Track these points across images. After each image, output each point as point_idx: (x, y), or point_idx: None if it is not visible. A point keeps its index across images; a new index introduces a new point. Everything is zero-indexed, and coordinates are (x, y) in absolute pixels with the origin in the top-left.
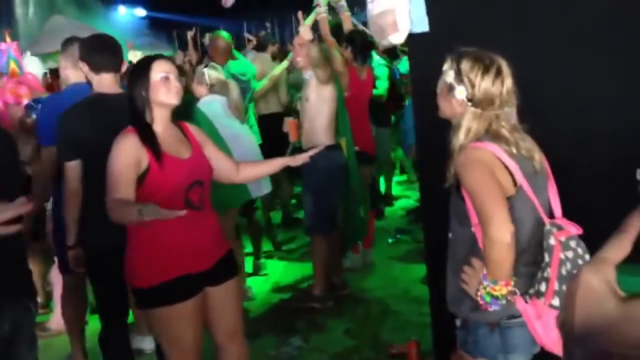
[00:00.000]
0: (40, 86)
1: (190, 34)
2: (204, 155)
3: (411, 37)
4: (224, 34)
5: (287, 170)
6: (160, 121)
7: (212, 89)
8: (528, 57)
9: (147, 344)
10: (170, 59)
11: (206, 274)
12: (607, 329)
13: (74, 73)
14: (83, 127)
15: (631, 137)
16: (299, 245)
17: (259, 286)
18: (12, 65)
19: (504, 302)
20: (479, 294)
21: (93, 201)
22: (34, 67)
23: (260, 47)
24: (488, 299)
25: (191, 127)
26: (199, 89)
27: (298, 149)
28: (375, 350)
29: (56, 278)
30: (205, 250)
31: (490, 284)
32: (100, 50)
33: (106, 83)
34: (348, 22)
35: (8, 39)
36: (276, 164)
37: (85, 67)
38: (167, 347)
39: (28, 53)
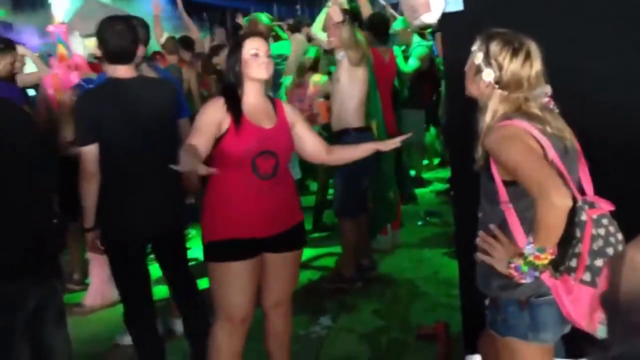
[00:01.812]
0: (88, 68)
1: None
2: (287, 131)
3: (444, 16)
4: (262, 18)
5: None
6: (251, 93)
7: None
8: (563, 37)
9: (178, 326)
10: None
11: (266, 241)
12: None
13: None
14: (98, 111)
15: None
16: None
17: None
18: (61, 49)
19: (539, 273)
20: (513, 265)
21: (111, 185)
22: (80, 48)
23: (295, 28)
24: (526, 269)
25: (286, 106)
26: None
27: (328, 131)
28: (403, 331)
29: (93, 256)
30: (269, 218)
31: (535, 252)
32: (114, 41)
33: (120, 71)
34: (366, 8)
35: (56, 21)
36: (366, 148)
37: (100, 52)
38: (216, 304)
39: (76, 33)
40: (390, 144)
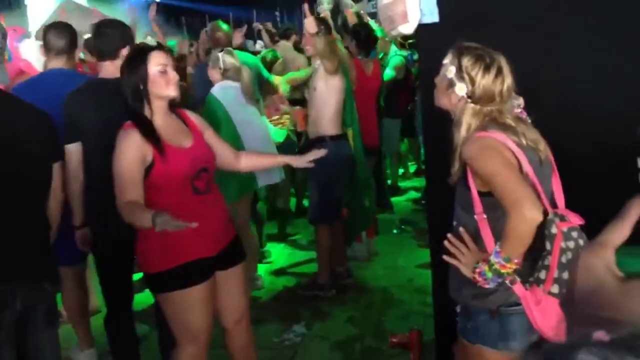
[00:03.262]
0: (35, 71)
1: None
2: (205, 141)
3: (421, 27)
4: (223, 26)
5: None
6: (159, 112)
7: (226, 73)
8: (536, 49)
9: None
10: (164, 47)
11: (216, 259)
12: (604, 305)
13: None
14: (83, 110)
15: (633, 128)
16: (304, 233)
17: (262, 273)
18: None
19: (501, 280)
20: (478, 270)
21: (97, 183)
22: (30, 53)
23: (284, 36)
24: (490, 275)
25: (190, 114)
26: (212, 74)
27: (300, 139)
28: (377, 338)
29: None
30: (214, 236)
31: (502, 261)
32: (104, 38)
33: (105, 69)
34: (352, 17)
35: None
36: (279, 160)
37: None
38: (178, 331)
39: (27, 40)
40: (299, 161)
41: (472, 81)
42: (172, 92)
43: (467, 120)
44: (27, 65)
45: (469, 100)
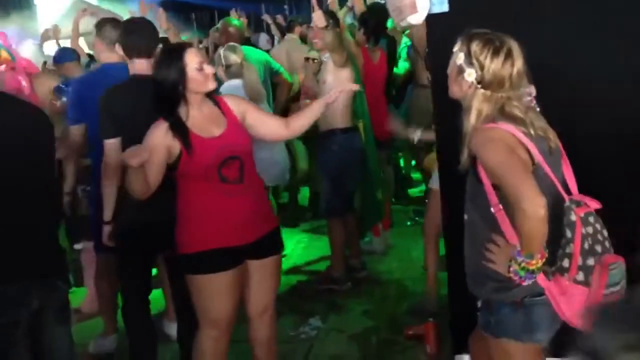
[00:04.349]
0: (35, 68)
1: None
2: (241, 129)
3: (430, 17)
4: (235, 21)
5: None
6: (194, 104)
7: (229, 70)
8: (547, 38)
9: (173, 330)
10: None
11: (247, 248)
12: None
13: (105, 55)
14: (121, 106)
15: None
16: (318, 227)
17: None
18: (4, 54)
19: (536, 275)
20: (511, 269)
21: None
22: (28, 52)
23: (287, 28)
24: (523, 273)
25: (229, 100)
26: (218, 71)
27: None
28: (393, 331)
29: (87, 260)
30: (246, 224)
31: (525, 259)
32: (135, 35)
33: (139, 67)
34: (359, 4)
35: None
36: (316, 107)
37: (120, 51)
38: (200, 314)
39: (30, 41)
40: (332, 96)
41: (481, 66)
42: (210, 86)
43: (477, 107)
44: (28, 64)
45: (479, 85)
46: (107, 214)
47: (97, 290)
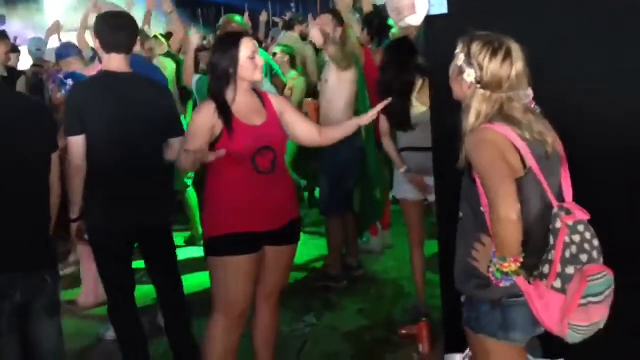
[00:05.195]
0: None
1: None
2: (279, 124)
3: (429, 19)
4: (237, 18)
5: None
6: (241, 91)
7: None
8: (547, 41)
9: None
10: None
11: (268, 235)
12: None
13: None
14: (88, 103)
15: None
16: (315, 225)
17: None
18: None
19: (514, 277)
20: (490, 270)
21: (97, 178)
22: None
23: (288, 26)
24: (499, 275)
25: (272, 97)
26: None
27: None
28: (387, 330)
29: (83, 254)
30: (271, 212)
31: (499, 260)
32: (115, 30)
33: (115, 63)
34: (367, 4)
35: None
36: (350, 125)
37: (97, 43)
38: (217, 298)
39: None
40: (368, 117)
41: (480, 66)
42: (258, 76)
43: (476, 107)
44: None
45: (478, 86)
46: (75, 211)
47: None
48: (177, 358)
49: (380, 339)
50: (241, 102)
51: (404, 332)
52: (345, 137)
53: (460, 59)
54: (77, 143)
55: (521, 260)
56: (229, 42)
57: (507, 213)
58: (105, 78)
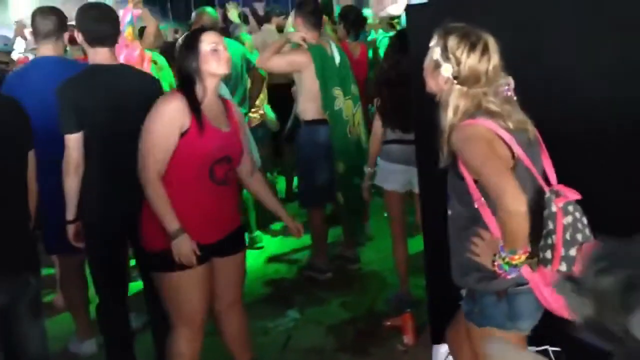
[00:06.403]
0: None
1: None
2: (239, 134)
3: (409, 8)
4: (209, 10)
5: (290, 143)
6: (209, 91)
7: None
8: (526, 29)
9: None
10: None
11: (215, 246)
12: None
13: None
14: (82, 98)
15: (622, 107)
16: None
17: (254, 259)
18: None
19: (520, 268)
20: (496, 264)
21: (92, 172)
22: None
23: (264, 19)
24: (507, 268)
25: (233, 106)
26: None
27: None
28: (371, 322)
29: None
30: (219, 225)
31: (509, 254)
32: (98, 23)
33: (101, 55)
34: None
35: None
36: (277, 210)
37: (79, 37)
38: (173, 313)
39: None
40: (292, 228)
41: (458, 61)
42: (223, 69)
43: (454, 103)
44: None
45: (455, 81)
46: (71, 212)
47: (64, 295)
48: (160, 356)
49: (365, 332)
50: (209, 103)
51: (388, 323)
52: (263, 203)
53: (436, 52)
54: (75, 140)
55: (529, 250)
56: (191, 38)
57: (516, 206)
58: (95, 71)
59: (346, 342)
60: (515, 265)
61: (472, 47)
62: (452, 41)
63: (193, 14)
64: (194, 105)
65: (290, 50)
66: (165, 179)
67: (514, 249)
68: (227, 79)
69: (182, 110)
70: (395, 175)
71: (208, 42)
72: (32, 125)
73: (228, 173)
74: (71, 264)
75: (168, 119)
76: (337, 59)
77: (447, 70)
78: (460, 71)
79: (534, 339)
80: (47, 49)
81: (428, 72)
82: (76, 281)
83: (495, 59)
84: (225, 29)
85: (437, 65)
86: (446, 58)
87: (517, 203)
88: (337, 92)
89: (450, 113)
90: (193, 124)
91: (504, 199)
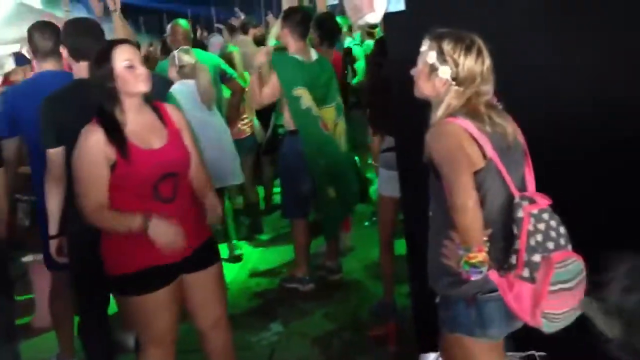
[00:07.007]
0: None
1: None
2: (181, 142)
3: (387, 16)
4: (181, 21)
5: (269, 155)
6: (131, 110)
7: (182, 71)
8: (504, 36)
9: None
10: (129, 41)
11: (180, 264)
12: None
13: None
14: (64, 113)
15: (607, 112)
16: (275, 230)
17: (235, 272)
18: None
19: (483, 269)
20: (460, 264)
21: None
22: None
23: (241, 30)
24: (467, 267)
25: (170, 110)
26: (171, 72)
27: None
28: (355, 333)
29: (37, 274)
30: None
31: (464, 251)
32: (82, 37)
33: (86, 70)
34: (322, 4)
35: None
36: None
37: (65, 52)
38: (140, 334)
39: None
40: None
41: (456, 63)
42: (143, 87)
43: (448, 101)
44: None
45: (453, 82)
46: (53, 228)
47: (52, 310)
48: None
49: (350, 342)
50: (134, 121)
51: (373, 333)
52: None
53: (431, 56)
54: (56, 154)
55: (485, 249)
56: (101, 54)
57: (463, 201)
58: (77, 86)
59: (332, 353)
60: (475, 265)
61: (467, 49)
62: (447, 45)
63: (168, 27)
64: (114, 137)
65: (267, 73)
66: (111, 202)
67: (468, 246)
68: None
69: (102, 142)
70: (393, 182)
71: (122, 58)
72: (34, 139)
73: (177, 188)
74: (63, 277)
75: (91, 155)
76: (316, 66)
77: (445, 72)
78: (459, 73)
79: (519, 344)
80: (50, 64)
81: (422, 76)
82: (66, 295)
83: (488, 60)
84: (199, 42)
85: (433, 69)
86: (443, 61)
87: (464, 197)
88: (301, 91)
89: (440, 110)
90: (118, 155)
91: (453, 195)
